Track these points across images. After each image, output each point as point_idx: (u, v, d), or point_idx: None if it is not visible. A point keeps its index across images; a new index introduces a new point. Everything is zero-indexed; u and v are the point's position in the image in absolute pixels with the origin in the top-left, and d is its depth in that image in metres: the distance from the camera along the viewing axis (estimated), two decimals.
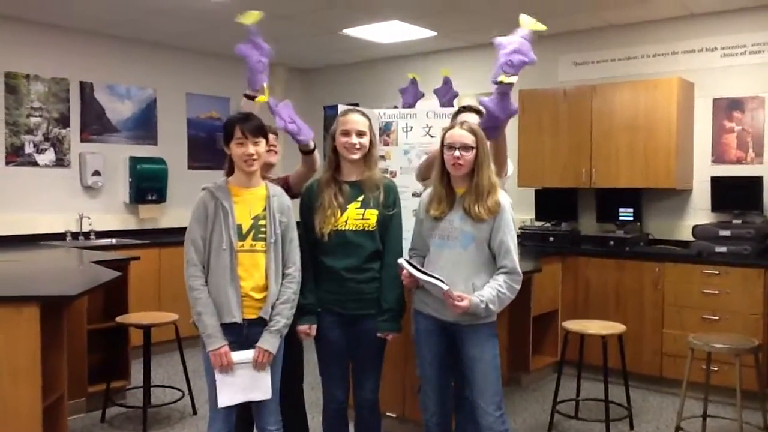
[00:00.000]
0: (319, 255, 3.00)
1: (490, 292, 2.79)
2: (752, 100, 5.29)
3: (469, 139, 2.85)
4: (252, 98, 3.17)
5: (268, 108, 3.15)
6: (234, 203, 2.80)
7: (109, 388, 4.42)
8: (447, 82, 4.63)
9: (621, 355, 4.30)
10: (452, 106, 4.55)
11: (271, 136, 3.33)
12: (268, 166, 3.39)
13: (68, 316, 3.79)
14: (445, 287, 2.73)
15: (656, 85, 5.35)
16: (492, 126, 2.98)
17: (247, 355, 2.76)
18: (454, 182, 2.94)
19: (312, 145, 3.22)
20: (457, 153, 2.84)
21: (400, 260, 2.87)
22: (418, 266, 2.84)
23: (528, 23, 2.91)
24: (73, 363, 4.04)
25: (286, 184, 3.27)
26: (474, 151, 2.86)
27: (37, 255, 5.12)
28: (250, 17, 3.13)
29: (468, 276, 2.85)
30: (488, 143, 2.96)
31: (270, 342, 2.78)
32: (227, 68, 7.26)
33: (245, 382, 2.77)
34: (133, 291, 4.85)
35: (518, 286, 2.88)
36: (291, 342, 3.00)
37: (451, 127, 2.94)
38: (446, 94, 4.62)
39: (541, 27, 2.92)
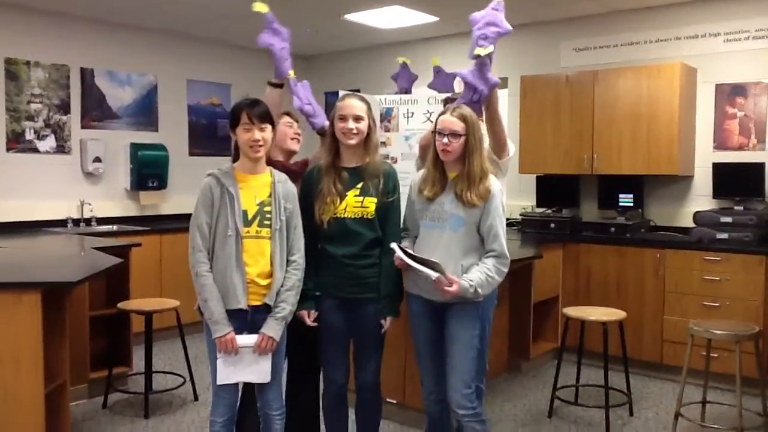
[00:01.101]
0: (320, 241, 3.00)
1: (479, 276, 2.83)
2: (755, 86, 5.26)
3: (459, 126, 2.86)
4: (277, 86, 3.16)
5: (288, 87, 3.18)
6: (239, 189, 2.80)
7: (111, 375, 4.44)
8: (439, 70, 4.57)
9: (621, 342, 4.31)
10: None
11: (294, 124, 3.34)
12: (290, 153, 3.39)
13: (70, 302, 3.80)
14: (434, 276, 2.75)
15: (659, 71, 5.32)
16: (475, 101, 2.99)
17: (251, 339, 2.78)
18: (446, 166, 2.95)
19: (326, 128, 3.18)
20: (445, 140, 2.86)
21: (393, 245, 2.87)
22: (410, 252, 2.85)
23: (263, 7, 3.06)
24: (74, 349, 4.06)
25: (305, 167, 3.26)
26: (463, 138, 2.86)
27: (39, 242, 5.13)
28: (263, 6, 3.12)
29: (457, 257, 2.88)
30: (482, 125, 2.96)
31: (274, 329, 2.79)
32: (228, 55, 7.26)
33: (245, 364, 2.79)
34: (135, 277, 4.86)
35: (506, 270, 2.92)
36: (302, 331, 3.00)
37: (444, 112, 2.94)
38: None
39: None
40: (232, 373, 2.80)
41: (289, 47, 3.20)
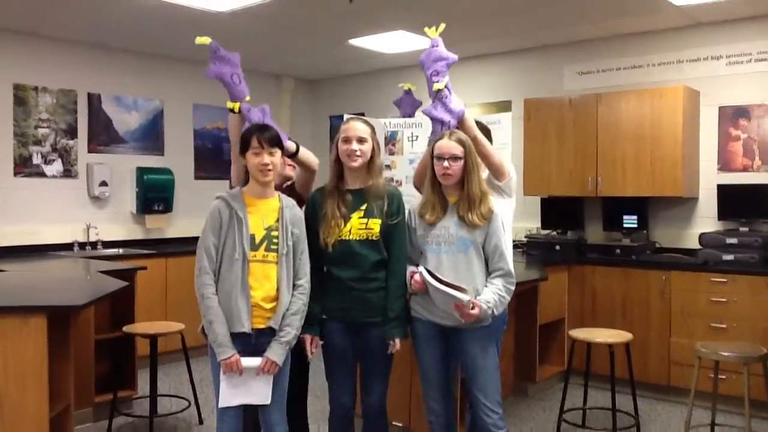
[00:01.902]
0: (325, 264, 3.00)
1: (492, 296, 2.87)
2: (758, 108, 5.28)
3: (458, 150, 2.92)
4: (236, 111, 3.14)
5: (241, 114, 3.13)
6: (248, 213, 2.83)
7: (116, 398, 4.41)
8: (409, 93, 4.57)
9: (628, 364, 4.27)
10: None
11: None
12: (285, 179, 3.43)
13: (75, 326, 3.80)
14: (466, 299, 2.77)
15: (662, 94, 5.35)
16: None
17: (255, 362, 2.78)
18: (445, 191, 3.00)
19: (292, 147, 3.15)
20: (446, 163, 2.91)
21: (421, 268, 2.88)
22: (439, 276, 2.85)
23: (431, 31, 3.21)
24: (79, 373, 4.05)
25: (293, 193, 3.28)
26: (462, 161, 2.92)
27: (45, 265, 5.15)
28: (205, 39, 3.12)
29: (471, 279, 2.91)
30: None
31: (278, 353, 2.80)
32: None
33: (247, 386, 2.80)
34: (140, 301, 4.86)
35: (513, 288, 2.97)
36: (297, 354, 3.00)
37: (440, 137, 2.98)
38: (409, 105, 4.59)
39: (441, 28, 3.22)
40: (234, 396, 2.80)
41: (240, 72, 3.15)
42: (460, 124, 3.14)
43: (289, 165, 3.44)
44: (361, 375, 3.10)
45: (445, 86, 3.09)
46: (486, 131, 3.43)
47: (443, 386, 3.08)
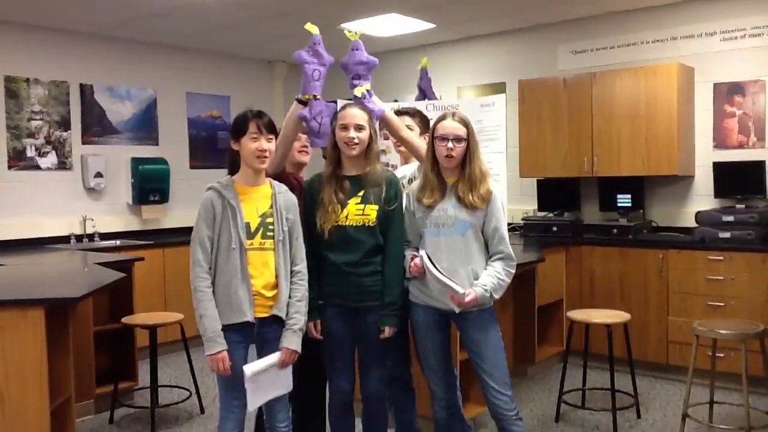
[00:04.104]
0: (321, 249, 3.00)
1: (491, 279, 2.87)
2: (753, 84, 5.27)
3: (462, 131, 2.90)
4: (303, 102, 3.14)
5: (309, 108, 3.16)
6: (241, 202, 2.80)
7: (117, 390, 4.44)
8: (423, 72, 4.57)
9: (626, 344, 4.29)
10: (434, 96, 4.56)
11: (303, 137, 3.34)
12: (300, 166, 3.41)
13: (74, 318, 3.81)
14: (461, 290, 2.77)
15: (656, 71, 5.32)
16: None
17: (271, 360, 2.79)
18: (443, 172, 2.97)
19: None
20: (450, 144, 2.88)
21: (422, 252, 2.87)
22: (437, 265, 2.84)
23: (352, 35, 3.25)
24: (79, 365, 4.06)
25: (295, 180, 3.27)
26: (465, 142, 2.90)
27: (42, 258, 5.14)
28: (314, 28, 3.18)
29: (468, 261, 2.91)
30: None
31: (294, 341, 2.81)
32: (227, 67, 7.29)
33: (270, 382, 2.81)
34: (138, 292, 4.86)
35: (513, 271, 2.97)
36: (310, 345, 3.00)
37: (442, 118, 2.96)
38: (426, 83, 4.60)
39: (359, 32, 3.26)
40: (261, 395, 2.81)
41: (324, 72, 3.20)
42: (384, 122, 3.26)
43: (302, 151, 3.39)
44: (360, 360, 3.11)
45: (367, 90, 3.18)
46: (424, 120, 3.56)
47: (444, 371, 3.08)
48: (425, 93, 4.53)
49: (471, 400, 4.09)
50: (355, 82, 3.20)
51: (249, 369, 2.75)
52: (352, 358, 3.10)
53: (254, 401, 2.79)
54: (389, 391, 3.21)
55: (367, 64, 3.22)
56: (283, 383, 2.86)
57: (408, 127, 3.50)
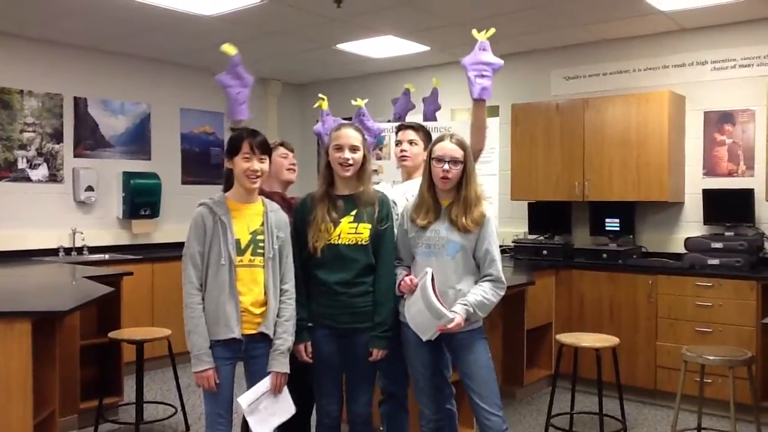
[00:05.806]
0: (312, 269, 2.99)
1: (475, 297, 2.86)
2: (743, 113, 5.33)
3: (459, 153, 2.91)
4: (236, 131, 3.15)
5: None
6: (232, 218, 2.81)
7: (102, 405, 4.38)
8: (434, 93, 4.66)
9: (615, 368, 4.29)
10: (434, 119, 4.63)
11: (290, 155, 3.34)
12: (286, 184, 3.42)
13: (61, 331, 3.77)
14: (450, 316, 2.75)
15: (648, 99, 5.38)
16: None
17: (263, 387, 2.79)
18: (439, 194, 2.98)
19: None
20: (446, 166, 2.88)
21: (428, 270, 2.84)
22: (436, 289, 2.83)
23: (479, 35, 3.43)
24: (65, 379, 4.03)
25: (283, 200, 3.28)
26: (462, 164, 2.91)
27: (30, 270, 5.10)
28: (232, 48, 3.14)
29: (455, 282, 2.91)
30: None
31: (282, 363, 2.82)
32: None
33: (270, 410, 2.80)
34: (126, 306, 4.83)
35: (502, 293, 2.96)
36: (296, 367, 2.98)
37: (441, 139, 2.96)
38: (431, 105, 4.67)
39: (490, 32, 3.44)
40: (266, 425, 2.80)
41: (248, 93, 3.18)
42: (478, 108, 3.49)
43: (289, 169, 3.40)
44: (347, 383, 3.08)
45: (364, 104, 3.37)
46: (428, 135, 3.56)
47: (435, 392, 3.06)
48: (425, 114, 4.60)
49: (461, 422, 4.06)
50: (478, 81, 3.38)
51: (244, 400, 2.75)
52: (341, 381, 3.08)
53: (259, 430, 2.79)
54: (385, 408, 3.19)
55: (493, 65, 3.41)
56: (284, 408, 2.85)
57: (412, 141, 3.51)
